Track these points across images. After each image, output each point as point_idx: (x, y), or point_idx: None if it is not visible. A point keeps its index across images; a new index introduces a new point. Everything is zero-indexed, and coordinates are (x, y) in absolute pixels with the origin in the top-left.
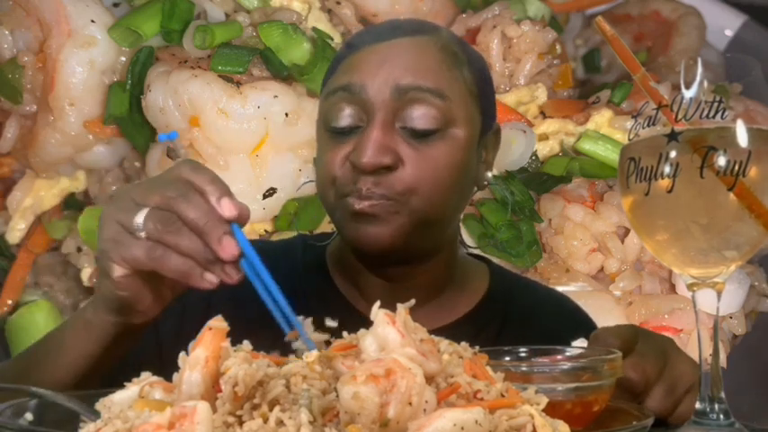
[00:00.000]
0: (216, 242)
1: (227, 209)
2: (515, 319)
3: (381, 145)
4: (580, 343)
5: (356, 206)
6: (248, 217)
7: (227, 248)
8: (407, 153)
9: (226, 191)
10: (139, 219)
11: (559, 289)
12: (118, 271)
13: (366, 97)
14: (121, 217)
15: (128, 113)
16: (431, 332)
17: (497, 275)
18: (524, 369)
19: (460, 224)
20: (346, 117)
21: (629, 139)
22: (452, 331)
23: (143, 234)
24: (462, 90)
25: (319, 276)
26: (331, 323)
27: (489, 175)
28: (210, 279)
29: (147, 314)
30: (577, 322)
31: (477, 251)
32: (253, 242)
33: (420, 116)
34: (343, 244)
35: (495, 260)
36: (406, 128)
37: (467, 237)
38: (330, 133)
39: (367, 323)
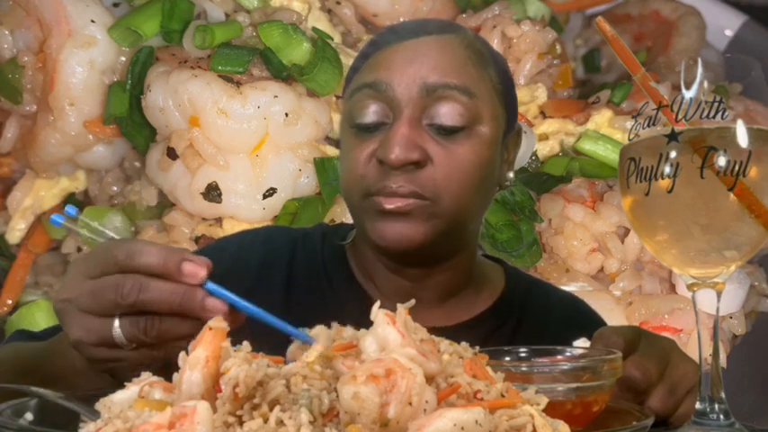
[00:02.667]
0: (203, 312)
1: (193, 276)
2: (530, 320)
3: (409, 140)
4: (582, 342)
5: (386, 205)
6: (212, 266)
7: (217, 310)
8: (435, 150)
9: (179, 258)
10: (117, 333)
11: None
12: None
13: (393, 95)
14: (97, 339)
15: (128, 113)
16: (448, 329)
17: (513, 277)
18: (524, 369)
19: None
20: (372, 114)
21: (629, 140)
22: (468, 330)
23: (132, 345)
24: (488, 88)
25: (339, 270)
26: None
27: (511, 175)
28: None
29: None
30: (591, 326)
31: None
32: (273, 227)
33: (447, 113)
34: (361, 241)
35: None
36: (432, 125)
37: None
38: (355, 130)
39: None
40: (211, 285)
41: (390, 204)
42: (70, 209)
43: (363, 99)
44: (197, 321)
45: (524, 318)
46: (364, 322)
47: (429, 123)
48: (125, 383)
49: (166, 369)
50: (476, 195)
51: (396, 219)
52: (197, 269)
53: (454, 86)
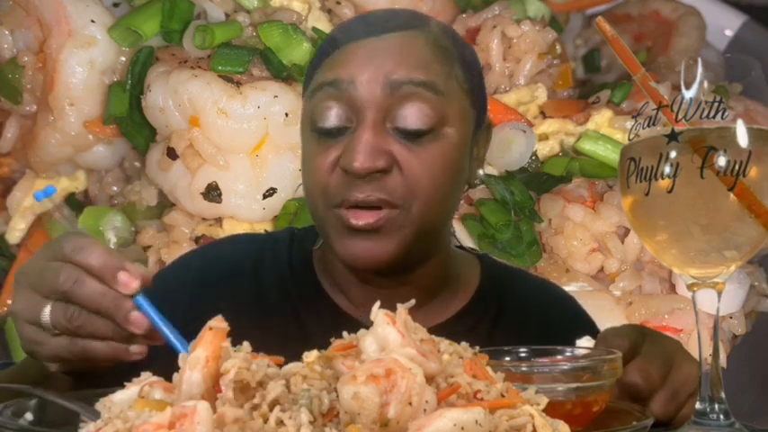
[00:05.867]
0: (125, 322)
1: (125, 286)
2: (509, 310)
3: (373, 147)
4: (585, 342)
5: (353, 221)
6: (149, 280)
7: (137, 325)
8: (402, 154)
9: (118, 265)
10: (45, 317)
11: None
12: (53, 366)
13: (355, 94)
14: (30, 316)
15: (128, 113)
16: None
17: (488, 267)
18: (525, 369)
19: (454, 225)
20: (333, 117)
21: (629, 139)
22: (446, 329)
23: (55, 331)
24: (455, 87)
25: (305, 277)
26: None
27: (481, 172)
28: (137, 351)
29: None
30: (569, 311)
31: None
32: (237, 236)
33: (413, 114)
34: (327, 249)
35: None
36: (397, 128)
37: (467, 237)
38: (316, 135)
39: (353, 326)
40: (141, 300)
41: (358, 220)
42: (50, 188)
43: (325, 99)
44: (120, 329)
45: (502, 310)
46: (333, 333)
47: (394, 127)
48: (125, 383)
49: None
50: (445, 199)
51: (363, 236)
52: (130, 280)
53: (420, 82)
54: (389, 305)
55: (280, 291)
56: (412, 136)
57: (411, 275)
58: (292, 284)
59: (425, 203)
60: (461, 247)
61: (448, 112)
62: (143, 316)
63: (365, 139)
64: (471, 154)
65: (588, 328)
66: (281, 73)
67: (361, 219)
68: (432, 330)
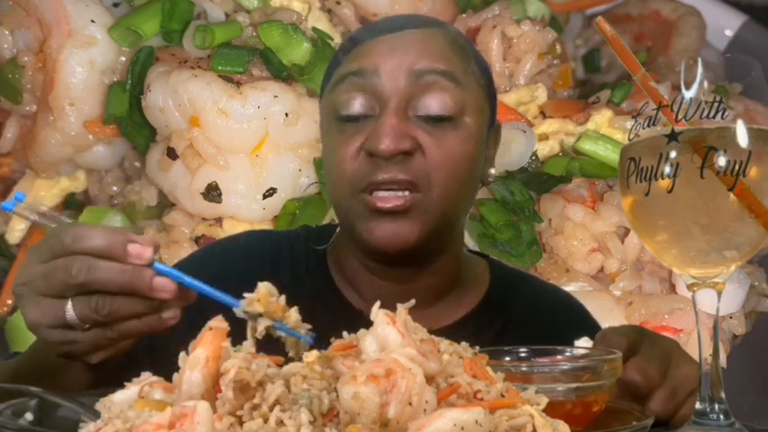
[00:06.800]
0: (149, 292)
1: (138, 257)
2: (518, 315)
3: (398, 131)
4: (584, 342)
5: (379, 204)
6: (158, 245)
7: (163, 291)
8: (425, 139)
9: (124, 239)
10: (69, 314)
11: None
12: (95, 358)
13: (379, 82)
14: (51, 320)
15: (128, 113)
16: (433, 332)
17: (498, 274)
18: (525, 369)
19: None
20: (358, 105)
21: (629, 139)
22: (454, 330)
23: (85, 325)
24: (472, 81)
25: (319, 275)
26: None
27: (492, 171)
28: (170, 316)
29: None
30: (578, 318)
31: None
32: (256, 231)
33: (435, 101)
34: (343, 245)
35: None
36: (419, 116)
37: (467, 237)
38: (339, 123)
39: (365, 323)
40: (159, 265)
41: (385, 203)
42: (19, 194)
43: (349, 89)
44: (148, 300)
45: (511, 314)
46: (343, 330)
47: (416, 115)
48: (125, 383)
49: (130, 358)
50: (463, 188)
51: (389, 219)
52: (142, 250)
53: (441, 72)
54: (401, 302)
55: (295, 287)
56: (434, 122)
57: (425, 269)
58: (307, 281)
59: (445, 189)
60: (472, 252)
61: (467, 103)
62: (167, 279)
63: (390, 123)
64: (484, 151)
65: (595, 332)
66: (281, 73)
67: (388, 202)
68: (440, 332)
